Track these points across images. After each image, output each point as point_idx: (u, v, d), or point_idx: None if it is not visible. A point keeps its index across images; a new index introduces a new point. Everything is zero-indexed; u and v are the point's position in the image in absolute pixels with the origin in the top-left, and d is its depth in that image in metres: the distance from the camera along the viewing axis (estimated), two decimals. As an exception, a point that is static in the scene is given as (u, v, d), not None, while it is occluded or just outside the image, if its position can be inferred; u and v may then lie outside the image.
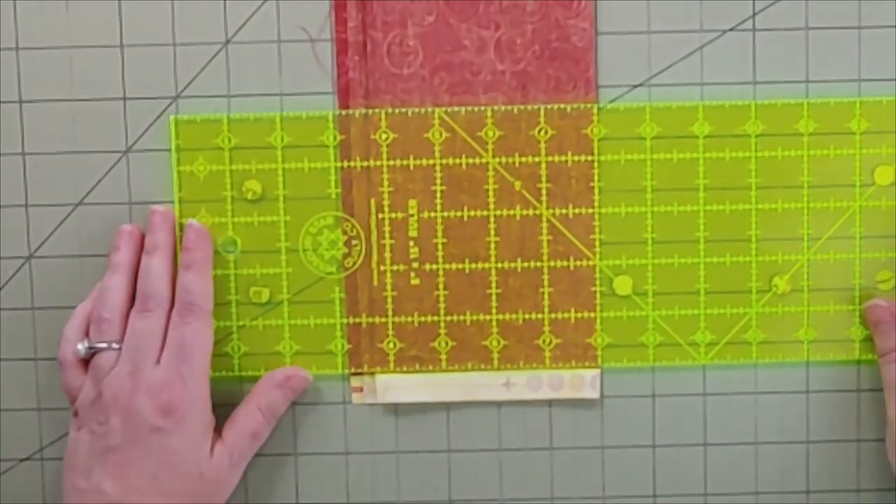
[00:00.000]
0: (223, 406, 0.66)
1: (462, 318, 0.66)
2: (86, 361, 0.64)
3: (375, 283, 0.65)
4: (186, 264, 0.64)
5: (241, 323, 0.66)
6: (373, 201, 0.65)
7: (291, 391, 0.66)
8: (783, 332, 0.66)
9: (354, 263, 0.66)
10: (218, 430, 0.64)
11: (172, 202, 0.65)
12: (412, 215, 0.65)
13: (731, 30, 0.65)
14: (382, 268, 0.65)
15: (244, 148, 0.65)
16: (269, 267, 0.66)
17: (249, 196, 0.65)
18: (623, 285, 0.65)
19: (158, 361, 0.62)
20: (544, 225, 0.65)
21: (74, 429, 0.63)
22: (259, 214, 0.66)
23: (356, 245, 0.66)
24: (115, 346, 0.63)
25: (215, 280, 0.65)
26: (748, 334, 0.66)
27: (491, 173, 0.65)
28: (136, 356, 0.62)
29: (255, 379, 0.66)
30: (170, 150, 0.65)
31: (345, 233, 0.66)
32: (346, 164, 0.65)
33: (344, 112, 0.65)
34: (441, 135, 0.65)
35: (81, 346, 0.63)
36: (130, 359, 0.62)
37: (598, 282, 0.65)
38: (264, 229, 0.66)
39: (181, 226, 0.65)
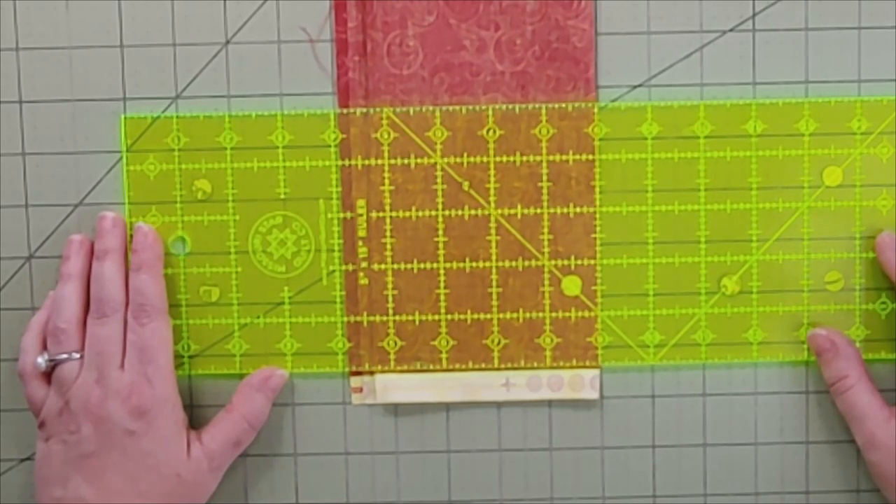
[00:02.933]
0: (222, 407, 0.66)
1: (463, 317, 0.66)
2: (47, 374, 0.64)
3: (378, 282, 0.65)
4: (136, 266, 0.64)
5: (242, 321, 0.66)
6: (373, 200, 0.65)
7: (272, 391, 0.66)
8: (734, 334, 0.66)
9: (303, 263, 0.66)
10: (196, 429, 0.64)
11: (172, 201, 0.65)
12: (412, 214, 0.65)
13: (731, 30, 0.65)
14: (384, 266, 0.66)
15: (192, 149, 0.65)
16: (219, 266, 0.66)
17: (199, 196, 0.65)
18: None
19: (122, 366, 0.62)
20: (545, 224, 0.65)
21: (42, 440, 0.63)
22: (208, 214, 0.66)
23: (305, 245, 0.66)
24: (75, 355, 0.63)
25: (164, 280, 0.65)
26: (697, 335, 0.66)
27: (492, 172, 0.65)
28: (100, 362, 0.62)
29: (255, 378, 0.66)
30: (172, 147, 0.65)
31: (294, 233, 0.66)
32: (346, 162, 0.65)
33: (344, 111, 0.65)
34: (442, 133, 0.65)
35: (42, 360, 0.63)
36: (95, 366, 0.62)
37: (598, 281, 0.66)
38: (214, 229, 0.66)
39: (131, 225, 0.65)
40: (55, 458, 0.62)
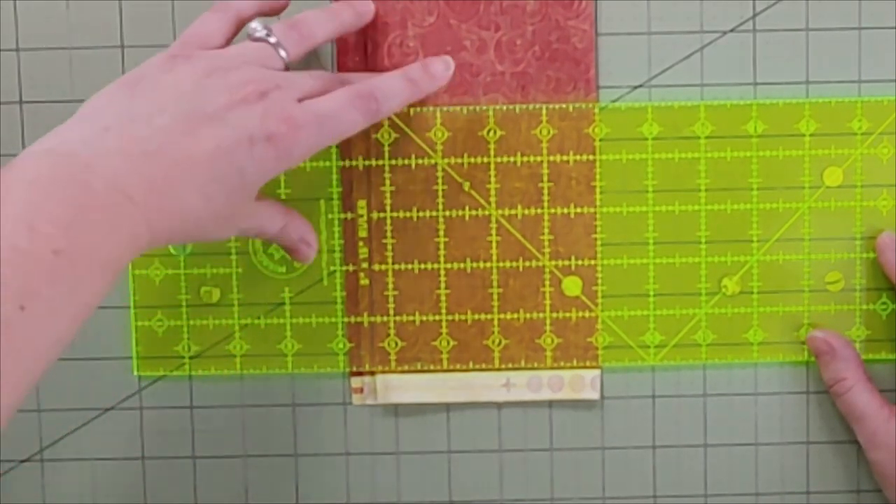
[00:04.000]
0: (223, 407, 0.66)
1: (463, 317, 0.66)
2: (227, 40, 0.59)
3: (378, 283, 0.65)
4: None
5: (243, 322, 0.66)
6: (373, 201, 0.65)
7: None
8: (734, 334, 0.66)
9: (303, 264, 0.66)
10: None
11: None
12: (413, 215, 0.65)
13: (732, 31, 0.65)
14: (384, 267, 0.66)
15: None
16: (220, 267, 0.66)
17: None
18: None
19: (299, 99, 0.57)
20: (545, 224, 0.65)
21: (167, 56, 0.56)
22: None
23: None
24: (282, 52, 0.58)
25: (165, 280, 0.65)
26: (697, 335, 0.66)
27: (492, 173, 0.65)
28: (296, 80, 0.57)
29: (256, 378, 0.66)
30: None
31: None
32: (347, 163, 0.65)
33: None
34: (443, 134, 0.65)
35: (258, 25, 0.58)
36: (290, 78, 0.57)
37: (599, 281, 0.66)
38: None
39: None
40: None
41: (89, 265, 0.48)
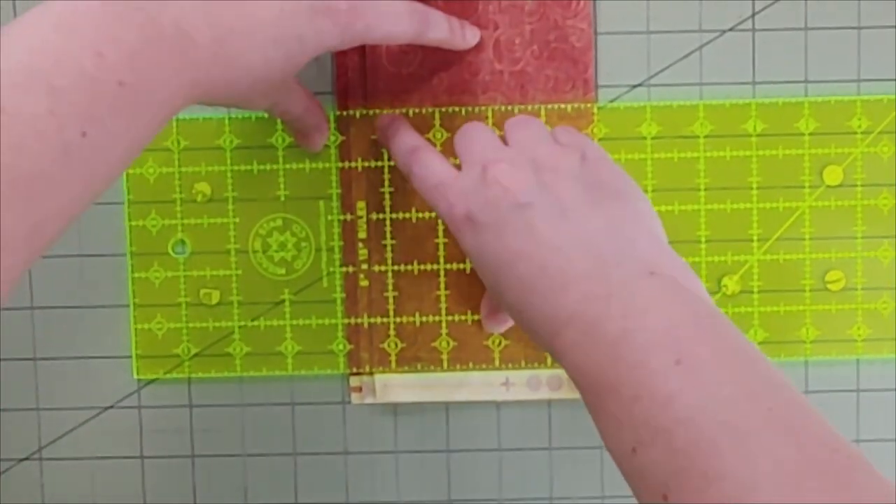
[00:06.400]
0: (222, 406, 0.66)
1: (463, 318, 0.66)
2: None
3: (378, 283, 0.65)
4: None
5: (242, 323, 0.66)
6: (372, 202, 0.65)
7: None
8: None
9: (304, 265, 0.66)
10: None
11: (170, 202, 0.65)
12: (412, 216, 0.65)
13: (731, 30, 0.65)
14: (384, 267, 0.65)
15: (192, 151, 0.66)
16: (219, 268, 0.66)
17: (199, 198, 0.65)
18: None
19: None
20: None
21: None
22: (208, 216, 0.66)
23: (305, 247, 0.66)
24: None
25: (164, 282, 0.65)
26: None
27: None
28: None
29: (255, 379, 0.66)
30: (171, 149, 0.65)
31: (294, 235, 0.66)
32: (346, 164, 0.65)
33: (344, 112, 0.65)
34: (442, 135, 0.65)
35: None
36: None
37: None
38: (214, 231, 0.66)
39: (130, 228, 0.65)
40: None
41: (149, 101, 0.49)
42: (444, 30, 0.62)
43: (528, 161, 0.56)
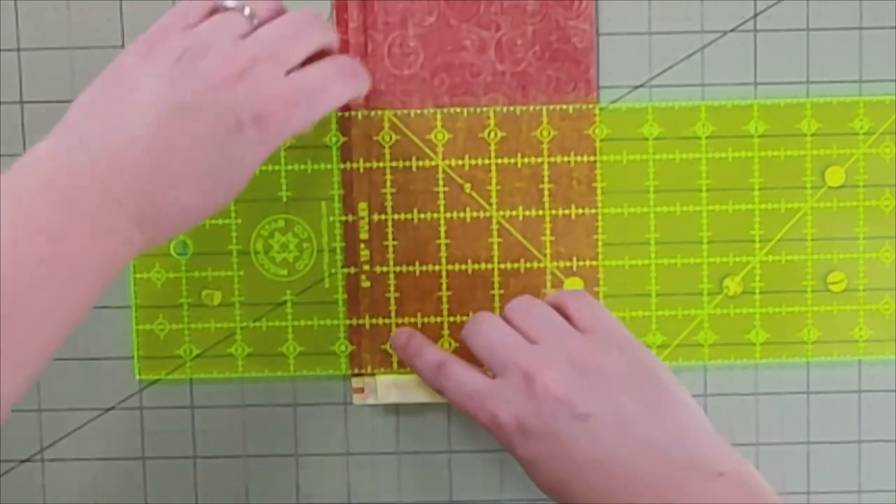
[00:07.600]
0: (223, 407, 0.66)
1: (465, 318, 0.65)
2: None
3: (380, 284, 0.65)
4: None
5: (244, 324, 0.66)
6: (374, 203, 0.65)
7: None
8: (736, 334, 0.66)
9: (305, 266, 0.66)
10: None
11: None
12: (414, 217, 0.65)
13: (733, 30, 0.65)
14: (385, 269, 0.65)
15: None
16: (221, 269, 0.66)
17: None
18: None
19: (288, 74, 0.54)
20: (546, 225, 0.65)
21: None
22: (211, 217, 0.65)
23: (307, 248, 0.66)
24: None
25: (166, 283, 0.65)
26: (699, 336, 0.66)
27: (493, 174, 0.65)
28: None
29: (257, 380, 0.66)
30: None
31: (295, 235, 0.66)
32: (347, 165, 0.65)
33: (345, 113, 0.65)
34: (443, 136, 0.65)
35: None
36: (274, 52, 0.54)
37: (600, 282, 0.65)
38: (216, 232, 0.66)
39: None
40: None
41: (76, 272, 0.48)
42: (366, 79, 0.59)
43: (567, 361, 0.56)
